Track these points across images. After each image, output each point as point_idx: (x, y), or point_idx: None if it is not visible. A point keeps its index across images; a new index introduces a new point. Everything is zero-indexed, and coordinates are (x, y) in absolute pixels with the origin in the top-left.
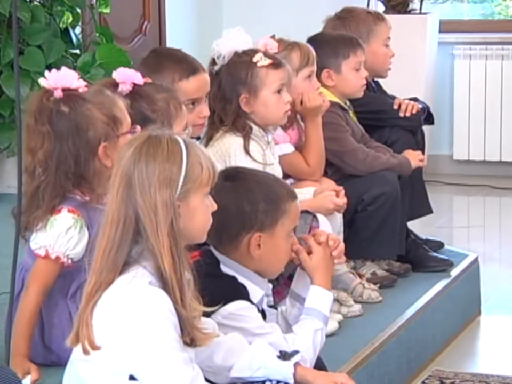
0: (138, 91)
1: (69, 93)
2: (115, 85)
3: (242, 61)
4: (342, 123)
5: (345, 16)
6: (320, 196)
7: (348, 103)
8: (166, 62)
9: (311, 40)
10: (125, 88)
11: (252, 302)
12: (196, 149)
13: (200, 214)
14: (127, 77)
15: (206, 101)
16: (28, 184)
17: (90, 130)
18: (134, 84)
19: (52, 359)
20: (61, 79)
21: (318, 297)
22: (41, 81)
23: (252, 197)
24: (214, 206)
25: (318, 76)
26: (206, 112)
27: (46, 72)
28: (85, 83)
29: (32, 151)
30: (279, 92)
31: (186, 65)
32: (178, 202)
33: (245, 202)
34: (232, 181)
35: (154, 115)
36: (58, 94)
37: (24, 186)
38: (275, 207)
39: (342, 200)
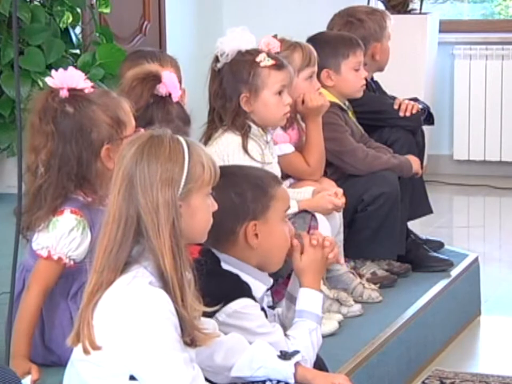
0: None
1: (74, 93)
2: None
3: (245, 60)
4: (341, 123)
5: (353, 14)
6: (318, 196)
7: (346, 103)
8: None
9: (311, 40)
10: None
11: (255, 300)
12: (197, 148)
13: (201, 213)
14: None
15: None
16: (30, 183)
17: (94, 132)
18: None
19: (52, 360)
20: (67, 79)
21: (308, 299)
22: (48, 80)
23: (238, 189)
24: (215, 206)
25: (318, 76)
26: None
27: (53, 72)
28: (91, 84)
29: (35, 150)
30: (279, 93)
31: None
32: (179, 202)
33: (233, 195)
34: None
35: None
36: (64, 93)
37: (27, 185)
38: (263, 193)
39: (341, 200)
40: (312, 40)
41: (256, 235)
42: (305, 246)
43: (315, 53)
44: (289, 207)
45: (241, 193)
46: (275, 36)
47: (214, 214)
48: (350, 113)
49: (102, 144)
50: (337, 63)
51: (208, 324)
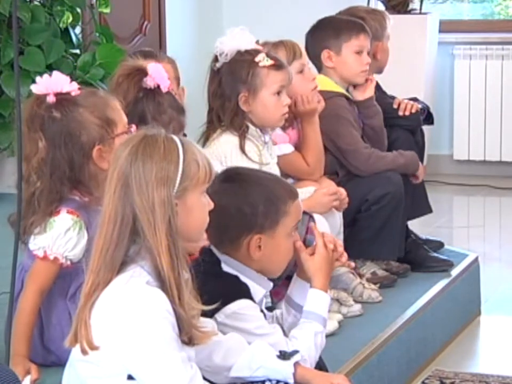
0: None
1: (61, 97)
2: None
3: (244, 59)
4: (348, 117)
5: (355, 14)
6: (314, 194)
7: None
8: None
9: (317, 23)
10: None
11: (254, 301)
12: (192, 147)
13: (197, 212)
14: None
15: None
16: (24, 191)
17: (83, 135)
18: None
19: (51, 360)
20: (51, 84)
21: (317, 300)
22: (32, 87)
23: (251, 199)
24: (211, 205)
25: (318, 57)
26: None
27: (38, 78)
28: (78, 86)
29: (27, 158)
30: (278, 93)
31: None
32: (175, 200)
33: (245, 204)
34: (232, 182)
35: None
36: (51, 99)
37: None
38: (275, 209)
39: (342, 194)
40: (318, 22)
41: (260, 247)
42: (318, 247)
43: (299, 46)
44: (298, 221)
45: (254, 204)
46: (257, 42)
47: (221, 217)
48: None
49: (93, 145)
50: (339, 44)
51: (206, 323)
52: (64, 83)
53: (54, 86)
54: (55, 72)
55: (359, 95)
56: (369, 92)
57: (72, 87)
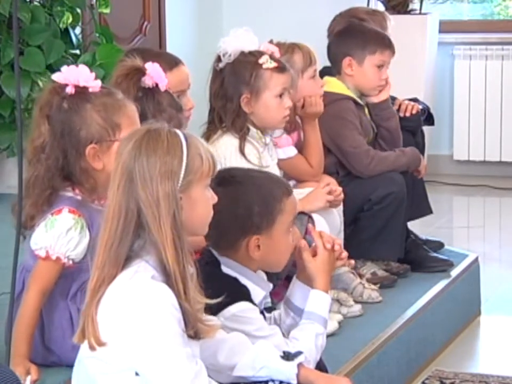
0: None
1: (78, 90)
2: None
3: (247, 61)
4: (352, 120)
5: (355, 15)
6: (308, 194)
7: (362, 99)
8: (147, 57)
9: (348, 27)
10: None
11: (253, 303)
12: (195, 141)
13: (201, 205)
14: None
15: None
16: (29, 174)
17: (83, 130)
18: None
19: (52, 360)
20: (70, 75)
21: (319, 301)
22: (53, 75)
23: (246, 202)
24: (215, 198)
25: (339, 62)
26: (191, 104)
27: (64, 67)
28: (100, 84)
29: (31, 141)
30: (280, 96)
31: (167, 59)
32: (180, 194)
33: (240, 208)
34: (226, 185)
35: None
36: (69, 90)
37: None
38: (270, 208)
39: (336, 189)
40: (347, 27)
41: (258, 247)
42: (319, 248)
43: (313, 51)
44: (295, 216)
45: (248, 206)
46: (271, 41)
47: (217, 221)
48: (365, 110)
49: (89, 143)
50: (363, 56)
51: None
52: (82, 77)
53: (72, 78)
54: (81, 65)
55: (374, 98)
56: (385, 94)
57: (91, 84)
